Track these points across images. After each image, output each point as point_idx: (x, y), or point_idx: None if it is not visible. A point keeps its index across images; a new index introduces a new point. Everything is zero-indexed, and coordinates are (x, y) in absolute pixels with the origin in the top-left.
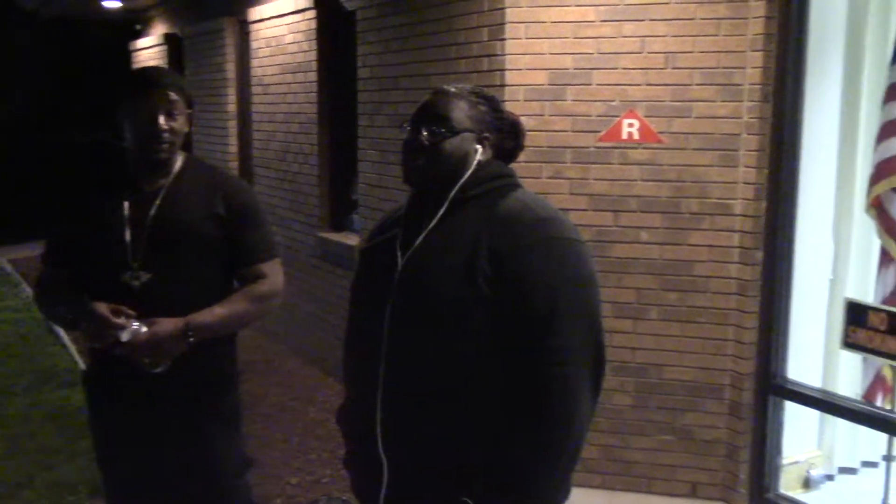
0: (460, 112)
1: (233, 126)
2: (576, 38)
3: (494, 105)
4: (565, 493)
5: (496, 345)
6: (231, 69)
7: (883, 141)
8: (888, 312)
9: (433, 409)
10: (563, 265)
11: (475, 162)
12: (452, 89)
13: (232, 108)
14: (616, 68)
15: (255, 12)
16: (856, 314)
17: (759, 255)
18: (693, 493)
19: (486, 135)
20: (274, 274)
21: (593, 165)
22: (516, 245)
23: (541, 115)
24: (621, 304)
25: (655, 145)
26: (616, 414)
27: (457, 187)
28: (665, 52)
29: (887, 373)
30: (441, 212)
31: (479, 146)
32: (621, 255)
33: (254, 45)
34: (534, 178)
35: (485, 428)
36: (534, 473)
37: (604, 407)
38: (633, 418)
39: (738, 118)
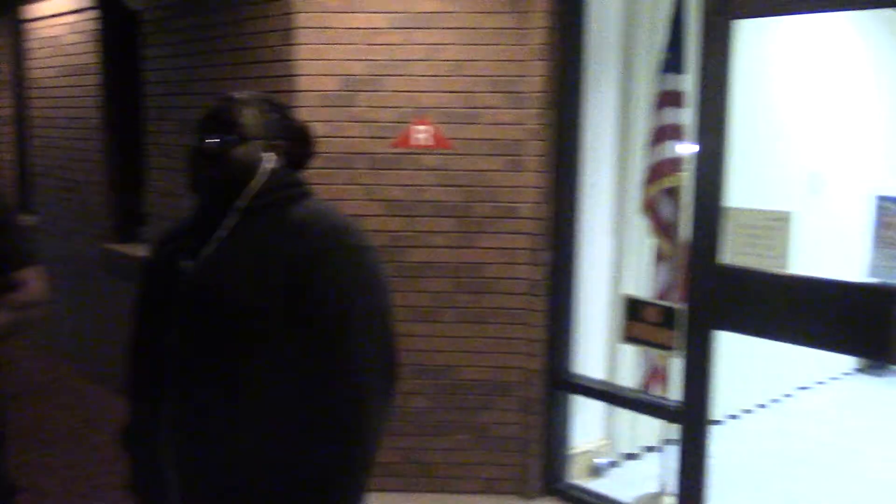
0: (249, 119)
1: (8, 132)
2: (367, 44)
3: (284, 112)
4: (361, 498)
5: (290, 355)
6: (5, 70)
7: (654, 145)
8: (660, 306)
9: (227, 425)
10: (355, 273)
11: (265, 170)
12: (241, 95)
13: (7, 112)
14: (407, 75)
15: (31, 10)
16: (633, 309)
17: (546, 255)
18: (490, 489)
19: (276, 142)
20: (35, 281)
21: (387, 171)
22: (308, 253)
23: (333, 122)
24: (417, 308)
25: (446, 151)
26: (414, 416)
27: (246, 196)
28: (454, 60)
29: (661, 363)
30: (231, 221)
31: (268, 154)
32: (416, 260)
33: (31, 45)
34: (328, 184)
35: (282, 441)
36: (331, 480)
37: (402, 410)
38: (431, 420)
39: (523, 125)
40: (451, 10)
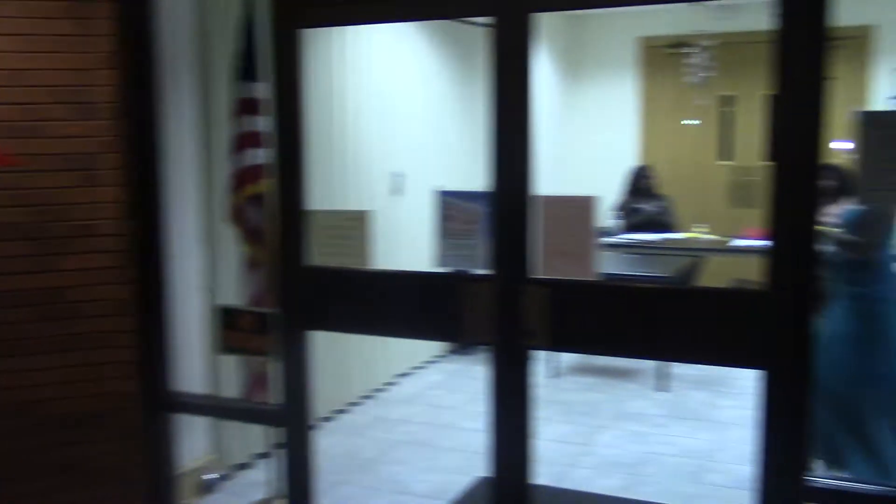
0: None
1: None
2: None
3: None
4: None
5: None
6: None
7: (236, 153)
8: (254, 313)
9: None
10: None
11: None
12: None
13: None
14: None
15: None
16: (228, 319)
17: (133, 273)
18: None
19: None
20: None
21: None
22: None
23: None
24: None
25: (13, 168)
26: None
27: None
28: (12, 70)
29: (262, 369)
30: None
31: None
32: None
33: None
34: None
35: None
36: None
37: None
38: (16, 463)
39: (95, 136)
40: (5, 14)
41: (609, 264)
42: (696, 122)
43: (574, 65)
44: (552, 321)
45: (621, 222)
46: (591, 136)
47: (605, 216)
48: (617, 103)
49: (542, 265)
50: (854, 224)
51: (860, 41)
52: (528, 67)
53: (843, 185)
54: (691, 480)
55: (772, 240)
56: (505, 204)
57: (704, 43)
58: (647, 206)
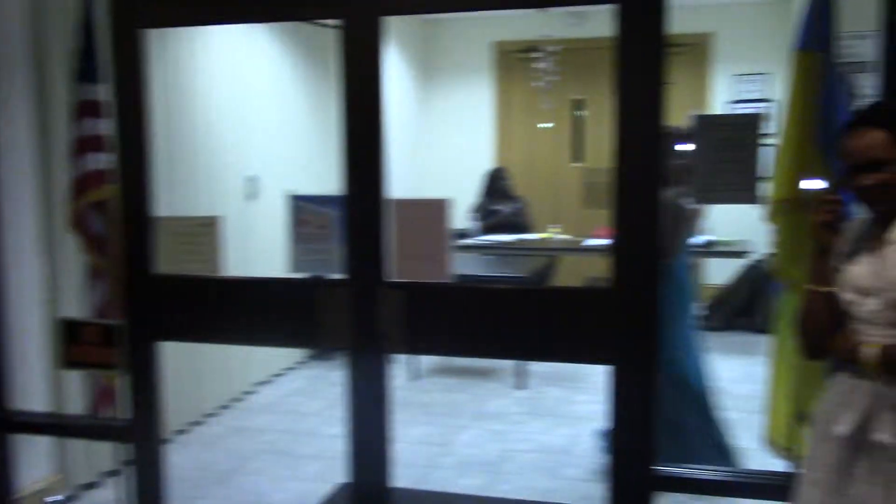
0: None
1: None
2: None
3: None
4: None
5: None
6: None
7: (77, 157)
8: (99, 325)
9: None
10: None
11: None
12: None
13: None
14: None
15: None
16: (71, 331)
17: None
18: None
19: None
20: None
21: None
22: None
23: None
24: None
25: None
26: None
27: None
28: None
29: (108, 383)
30: None
31: None
32: None
33: None
34: None
35: None
36: None
37: None
38: None
39: None
40: None
41: (466, 266)
42: (550, 125)
43: (430, 69)
44: (408, 324)
45: (478, 224)
46: (448, 140)
47: (463, 218)
48: (473, 107)
49: (397, 268)
50: None
51: (700, 48)
52: (379, 70)
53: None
54: (549, 476)
55: (615, 239)
56: (358, 207)
57: (550, 48)
58: (504, 208)
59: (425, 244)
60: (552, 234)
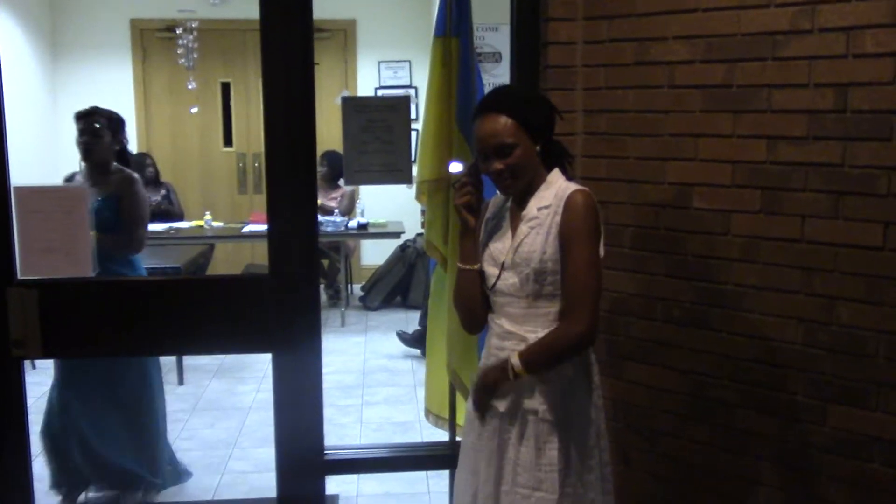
0: None
1: None
2: None
3: None
4: None
5: None
6: None
7: None
8: None
9: None
10: None
11: None
12: None
13: None
14: None
15: None
16: None
17: None
18: None
19: None
20: None
21: None
22: None
23: None
24: None
25: None
26: None
27: None
28: None
29: None
30: None
31: None
32: None
33: None
34: None
35: None
36: None
37: None
38: None
39: None
40: None
41: None
42: (195, 108)
43: (61, 47)
44: (43, 327)
45: None
46: None
47: None
48: (112, 88)
49: (26, 265)
50: None
51: (344, 34)
52: None
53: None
54: (216, 472)
55: (269, 225)
56: None
57: (192, 25)
58: (150, 196)
59: (61, 237)
60: (205, 221)
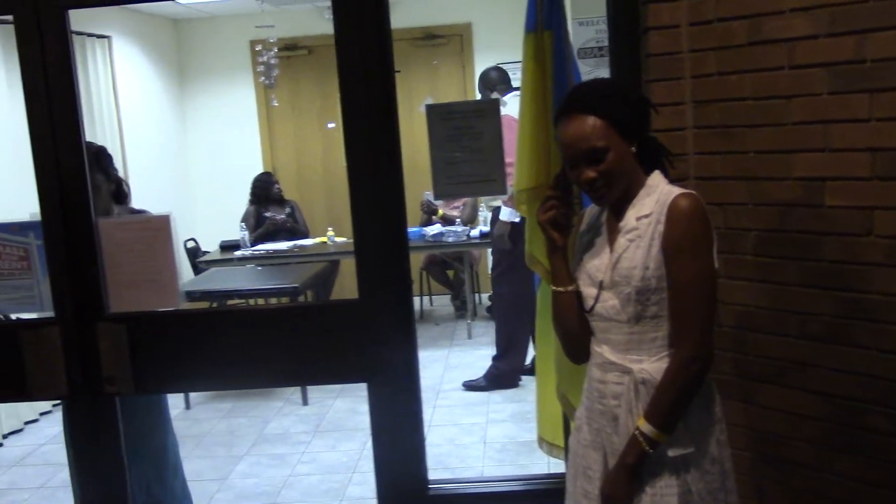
0: None
1: None
2: None
3: None
4: None
5: None
6: None
7: None
8: None
9: None
10: None
11: None
12: None
13: None
14: None
15: None
16: None
17: None
18: None
19: None
20: None
21: None
22: None
23: None
24: None
25: None
26: None
27: None
28: None
29: None
30: None
31: None
32: None
33: None
34: None
35: None
36: None
37: None
38: None
39: None
40: None
41: (237, 279)
42: (332, 124)
43: (188, 74)
44: (133, 362)
45: (249, 233)
46: (212, 146)
47: (236, 228)
48: (236, 110)
49: (116, 299)
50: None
51: (461, 38)
52: (71, 68)
53: None
54: (333, 498)
55: (357, 245)
56: (61, 232)
57: (270, 41)
58: (275, 214)
59: (148, 268)
60: (327, 238)
